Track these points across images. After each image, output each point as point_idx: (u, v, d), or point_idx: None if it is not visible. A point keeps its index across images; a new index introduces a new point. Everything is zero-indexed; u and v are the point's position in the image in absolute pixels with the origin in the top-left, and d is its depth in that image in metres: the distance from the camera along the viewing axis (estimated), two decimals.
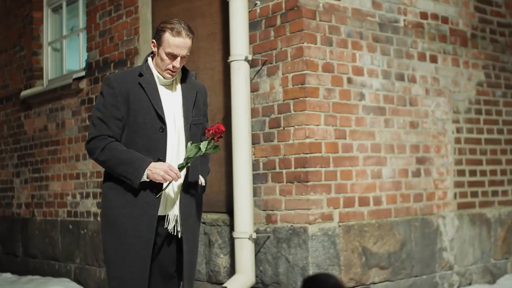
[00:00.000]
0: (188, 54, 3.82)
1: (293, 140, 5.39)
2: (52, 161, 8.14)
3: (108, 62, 7.29)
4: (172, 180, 3.70)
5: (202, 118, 4.01)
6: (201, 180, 3.99)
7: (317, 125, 5.39)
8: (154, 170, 3.66)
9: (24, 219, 8.63)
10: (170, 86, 3.89)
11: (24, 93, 8.70)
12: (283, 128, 5.47)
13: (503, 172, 7.09)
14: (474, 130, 6.79)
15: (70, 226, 7.71)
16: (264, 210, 5.57)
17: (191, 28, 3.82)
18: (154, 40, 3.83)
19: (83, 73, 7.71)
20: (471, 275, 6.54)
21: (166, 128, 3.78)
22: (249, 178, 5.53)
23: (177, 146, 3.83)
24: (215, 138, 3.73)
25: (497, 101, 7.09)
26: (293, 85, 5.43)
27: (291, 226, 5.36)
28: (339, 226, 5.45)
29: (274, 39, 5.60)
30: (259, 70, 5.68)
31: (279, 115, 5.51)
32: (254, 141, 5.66)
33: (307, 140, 5.32)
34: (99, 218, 7.23)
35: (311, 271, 5.20)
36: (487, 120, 6.95)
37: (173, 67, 3.78)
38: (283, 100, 5.48)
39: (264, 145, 5.62)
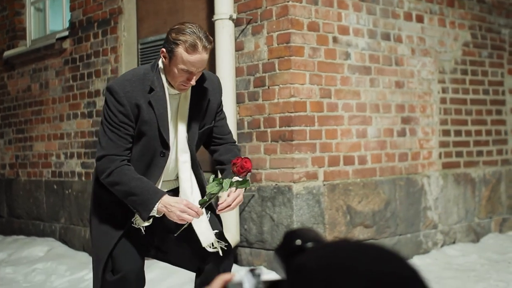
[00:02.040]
0: (205, 66, 3.32)
1: (278, 99, 5.37)
2: (36, 122, 8.08)
3: (92, 22, 7.20)
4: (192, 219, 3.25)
5: (213, 121, 3.55)
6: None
7: (302, 84, 5.36)
8: (170, 209, 3.21)
9: (9, 180, 8.59)
10: (179, 94, 3.40)
11: (7, 53, 8.60)
12: (268, 87, 5.44)
13: (488, 133, 7.11)
14: (460, 90, 6.79)
15: (55, 186, 7.68)
16: None
17: (209, 36, 3.25)
18: (164, 50, 3.26)
19: (66, 33, 7.63)
20: (455, 234, 6.58)
21: (167, 153, 3.36)
22: (234, 136, 5.50)
23: (174, 168, 3.45)
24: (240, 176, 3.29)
25: (483, 62, 7.08)
26: (278, 44, 5.39)
27: (276, 185, 5.36)
28: (324, 185, 5.45)
29: None
30: (244, 29, 5.63)
31: (264, 74, 5.47)
32: (239, 100, 5.63)
33: (292, 99, 5.30)
34: (83, 178, 7.21)
35: None
36: (473, 81, 6.95)
37: (187, 82, 3.27)
38: (268, 59, 5.45)
39: (248, 104, 5.59)
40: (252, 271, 1.21)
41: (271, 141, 5.41)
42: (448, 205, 6.53)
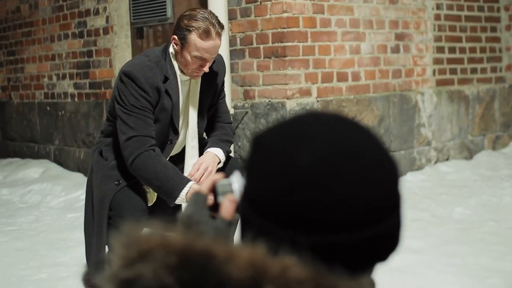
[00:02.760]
0: (217, 53, 3.32)
1: (270, 14, 5.30)
2: (26, 43, 8.00)
3: None
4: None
5: (217, 100, 3.58)
6: (219, 158, 3.45)
7: None
8: None
9: (1, 103, 8.55)
10: (189, 80, 3.40)
11: None
12: (260, 3, 5.37)
13: (483, 50, 7.05)
14: (455, 6, 6.71)
15: (48, 108, 7.65)
16: (242, 86, 5.53)
17: (220, 22, 3.24)
18: (175, 37, 3.23)
19: None
20: (448, 151, 6.60)
21: (175, 139, 3.39)
22: (226, 54, 5.45)
23: (179, 148, 3.48)
24: None
25: None
26: None
27: (269, 101, 5.34)
28: (317, 101, 5.44)
29: None
30: None
31: None
32: (231, 16, 5.56)
33: (285, 15, 5.24)
34: (76, 99, 7.18)
35: None
36: None
37: (200, 69, 3.26)
38: None
39: (241, 21, 5.52)
40: (241, 171, 1.20)
41: (263, 58, 5.37)
42: (441, 122, 6.54)
